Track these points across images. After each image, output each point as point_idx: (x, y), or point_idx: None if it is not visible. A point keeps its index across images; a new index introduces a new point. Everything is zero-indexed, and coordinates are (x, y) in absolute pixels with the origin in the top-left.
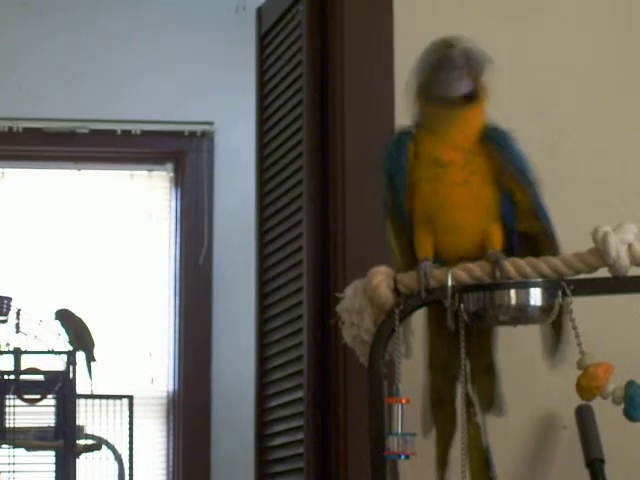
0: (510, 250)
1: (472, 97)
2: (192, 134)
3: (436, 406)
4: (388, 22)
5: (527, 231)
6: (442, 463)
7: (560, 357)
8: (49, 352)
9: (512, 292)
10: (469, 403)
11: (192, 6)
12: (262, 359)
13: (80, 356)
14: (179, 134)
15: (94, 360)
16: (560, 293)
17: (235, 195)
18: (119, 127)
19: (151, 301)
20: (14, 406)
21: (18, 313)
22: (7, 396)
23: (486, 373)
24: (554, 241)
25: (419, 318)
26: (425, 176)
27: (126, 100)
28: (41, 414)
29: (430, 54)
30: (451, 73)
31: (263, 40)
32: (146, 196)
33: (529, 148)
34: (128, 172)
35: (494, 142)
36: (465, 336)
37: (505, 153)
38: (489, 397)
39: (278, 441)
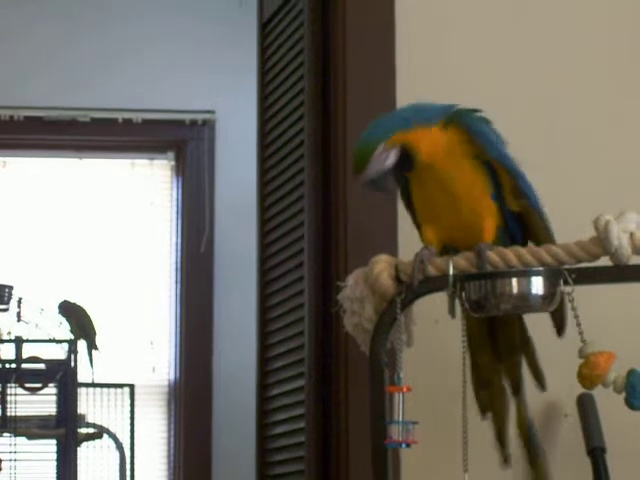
0: (508, 230)
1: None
2: (193, 123)
3: (484, 387)
4: (389, 9)
5: (519, 210)
6: (502, 441)
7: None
8: (50, 341)
9: (514, 281)
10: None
11: None
12: (263, 347)
13: (81, 345)
14: (180, 123)
15: (95, 349)
16: (562, 282)
17: (236, 183)
18: (120, 116)
19: (152, 290)
20: (15, 395)
21: (19, 302)
22: (8, 385)
23: (513, 352)
24: (544, 218)
25: (421, 307)
26: (415, 176)
27: (127, 89)
28: (42, 403)
29: None
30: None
31: (264, 28)
32: (147, 185)
33: (530, 136)
34: (129, 161)
35: (466, 129)
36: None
37: (480, 138)
38: (532, 372)
39: (279, 429)
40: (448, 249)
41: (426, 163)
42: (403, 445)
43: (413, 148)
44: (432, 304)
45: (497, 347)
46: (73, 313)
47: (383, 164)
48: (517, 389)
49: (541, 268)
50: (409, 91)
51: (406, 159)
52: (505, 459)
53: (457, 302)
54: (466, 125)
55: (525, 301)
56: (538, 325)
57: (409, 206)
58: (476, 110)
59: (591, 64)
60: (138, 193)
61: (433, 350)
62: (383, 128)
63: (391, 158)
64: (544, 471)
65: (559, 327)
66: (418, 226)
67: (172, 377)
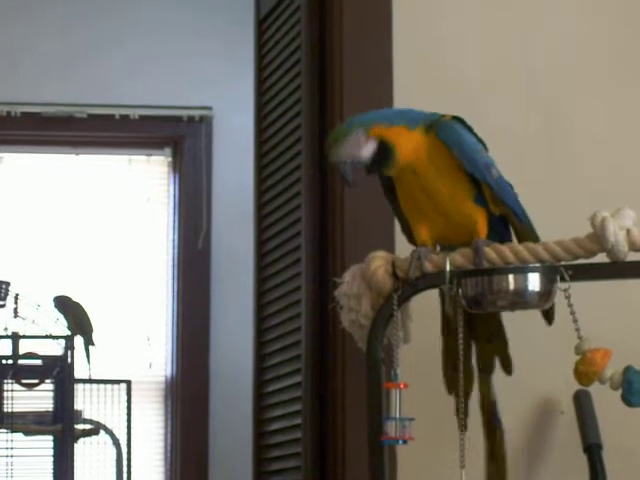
0: (495, 233)
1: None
2: (190, 119)
3: (453, 368)
4: (387, 5)
5: (501, 214)
6: (461, 413)
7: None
8: (47, 337)
9: (510, 277)
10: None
11: None
12: (260, 344)
13: (78, 341)
14: (177, 119)
15: (92, 345)
16: (558, 278)
17: (233, 180)
18: (117, 112)
19: (149, 286)
20: (12, 391)
21: (16, 298)
22: (5, 381)
23: (490, 340)
24: (525, 223)
25: (417, 303)
26: (397, 179)
27: (124, 85)
28: (39, 399)
29: None
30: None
31: (262, 25)
32: (144, 181)
33: (528, 134)
34: (126, 157)
35: (443, 142)
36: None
37: (455, 150)
38: (502, 360)
39: (276, 426)
40: (442, 247)
41: (405, 164)
42: (400, 441)
43: (392, 144)
44: (429, 300)
45: (472, 332)
46: (70, 309)
47: (359, 152)
48: (487, 371)
49: (538, 265)
50: (406, 87)
51: (384, 156)
52: (461, 428)
53: (450, 298)
54: (443, 138)
55: (522, 297)
56: (534, 323)
57: (396, 210)
58: (457, 118)
59: (590, 63)
60: (135, 189)
61: (430, 346)
62: (364, 119)
63: (368, 149)
64: (499, 445)
65: (549, 317)
66: (406, 232)
67: (169, 373)
